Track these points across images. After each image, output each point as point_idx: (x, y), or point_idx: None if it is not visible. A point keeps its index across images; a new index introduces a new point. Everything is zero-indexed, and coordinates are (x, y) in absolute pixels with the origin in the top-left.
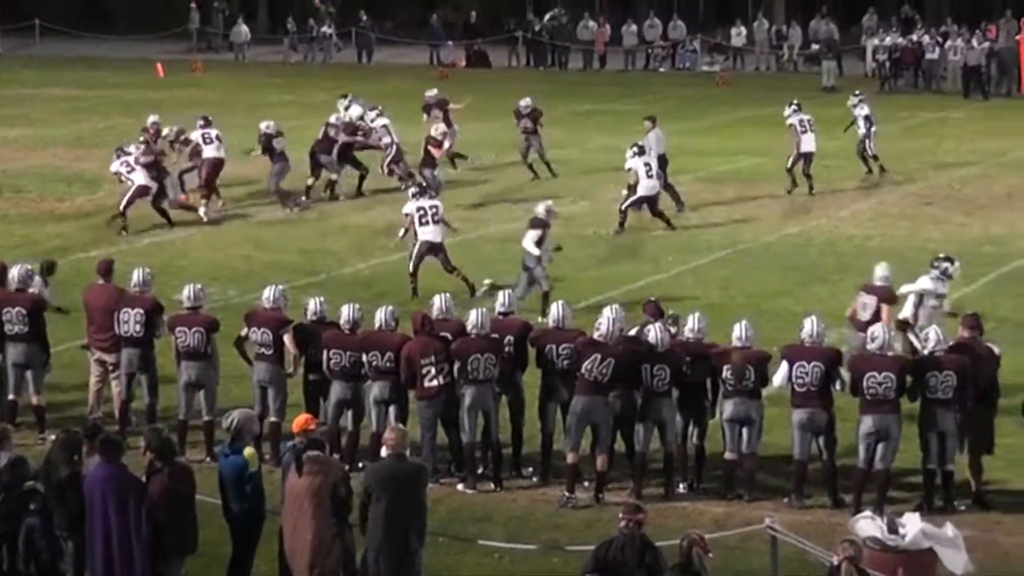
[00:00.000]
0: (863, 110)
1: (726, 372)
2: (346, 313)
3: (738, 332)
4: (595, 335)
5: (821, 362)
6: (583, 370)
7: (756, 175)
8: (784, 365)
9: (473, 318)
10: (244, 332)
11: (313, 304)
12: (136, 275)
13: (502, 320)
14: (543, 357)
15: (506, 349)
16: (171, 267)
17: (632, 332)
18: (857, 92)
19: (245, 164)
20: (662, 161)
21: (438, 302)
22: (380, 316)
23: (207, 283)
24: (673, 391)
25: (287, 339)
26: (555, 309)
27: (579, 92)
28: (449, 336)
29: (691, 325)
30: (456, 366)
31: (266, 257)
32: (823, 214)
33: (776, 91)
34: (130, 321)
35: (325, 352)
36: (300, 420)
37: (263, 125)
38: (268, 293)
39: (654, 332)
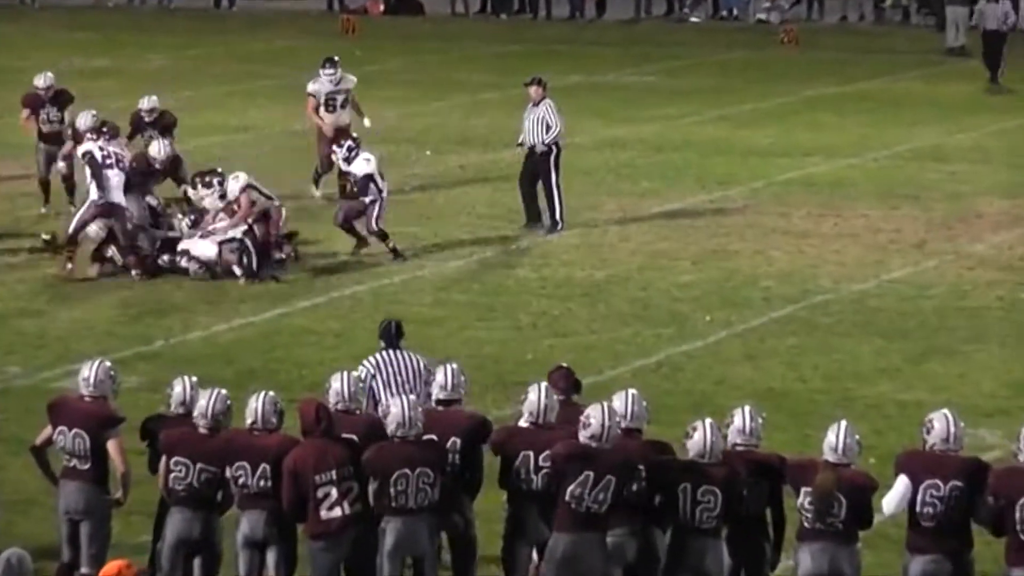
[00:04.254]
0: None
1: (804, 499)
2: (205, 404)
3: (834, 439)
4: (583, 436)
5: (962, 480)
6: (567, 495)
7: (840, 186)
8: (902, 482)
9: (397, 411)
10: (46, 434)
11: (181, 388)
12: None
13: (442, 413)
14: (512, 472)
15: (450, 458)
16: None
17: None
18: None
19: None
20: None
21: (337, 384)
22: (254, 407)
23: None
24: (722, 528)
25: (112, 446)
26: (534, 394)
27: (563, 55)
28: (356, 438)
29: (739, 424)
30: (372, 486)
31: (70, 314)
32: (948, 249)
33: (873, 54)
34: None
35: (164, 460)
36: (110, 571)
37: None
38: (87, 372)
39: (701, 433)
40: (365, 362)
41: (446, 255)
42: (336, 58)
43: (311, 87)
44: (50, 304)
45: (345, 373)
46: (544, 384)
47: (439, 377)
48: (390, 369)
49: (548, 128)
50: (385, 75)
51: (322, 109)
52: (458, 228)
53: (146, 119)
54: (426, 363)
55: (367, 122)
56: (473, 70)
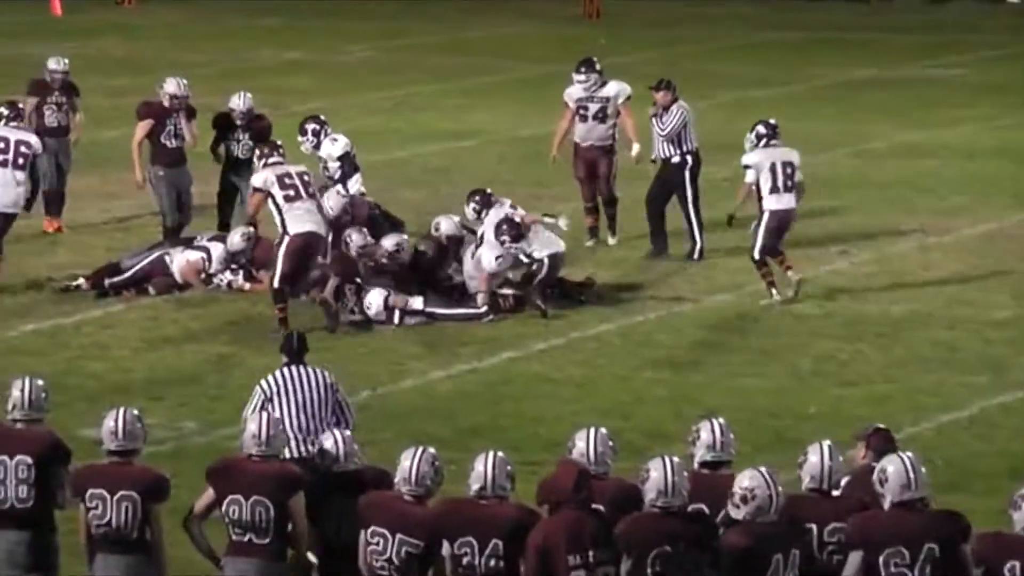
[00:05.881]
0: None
1: None
2: (410, 467)
3: None
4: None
5: None
6: (880, 566)
7: None
8: None
9: (658, 475)
10: (206, 501)
11: (333, 442)
12: (19, 392)
13: (708, 477)
14: None
15: (721, 532)
16: (73, 374)
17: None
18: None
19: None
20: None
21: (583, 443)
22: (482, 470)
23: (144, 407)
24: None
25: (298, 517)
26: (815, 455)
27: (848, 45)
28: (603, 509)
29: None
30: (625, 565)
31: (255, 358)
32: None
33: None
34: (7, 478)
35: (363, 534)
36: None
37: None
38: (255, 427)
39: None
40: (262, 382)
41: (711, 287)
42: (594, 59)
43: (566, 90)
44: (230, 346)
45: (592, 430)
46: (828, 443)
47: (703, 435)
48: (293, 386)
49: (682, 136)
50: (633, 68)
51: (577, 118)
52: (725, 254)
53: (239, 122)
54: (334, 381)
55: (635, 149)
56: (738, 62)
